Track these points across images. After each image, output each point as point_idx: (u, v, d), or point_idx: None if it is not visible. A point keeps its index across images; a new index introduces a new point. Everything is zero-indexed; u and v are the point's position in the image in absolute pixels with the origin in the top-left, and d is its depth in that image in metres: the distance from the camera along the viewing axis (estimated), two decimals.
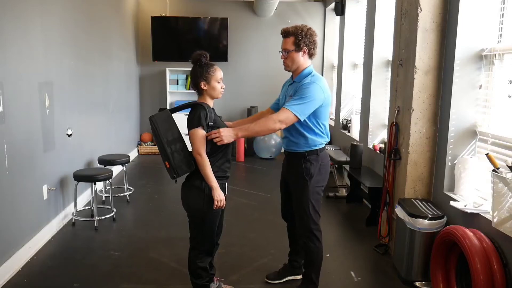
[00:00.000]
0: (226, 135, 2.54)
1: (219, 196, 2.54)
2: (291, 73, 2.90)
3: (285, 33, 2.76)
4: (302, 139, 2.78)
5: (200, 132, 2.51)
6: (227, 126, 2.70)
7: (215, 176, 2.58)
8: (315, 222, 2.85)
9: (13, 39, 3.31)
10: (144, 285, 3.15)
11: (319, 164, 2.80)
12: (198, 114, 2.52)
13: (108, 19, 6.00)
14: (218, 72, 2.61)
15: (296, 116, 2.62)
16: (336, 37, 7.53)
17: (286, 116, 2.62)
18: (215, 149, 2.59)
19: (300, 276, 3.16)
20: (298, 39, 2.70)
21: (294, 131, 2.78)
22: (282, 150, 7.67)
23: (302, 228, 2.88)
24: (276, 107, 2.99)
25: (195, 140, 2.51)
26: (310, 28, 2.75)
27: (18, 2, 3.38)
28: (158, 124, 2.51)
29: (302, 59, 2.76)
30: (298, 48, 2.72)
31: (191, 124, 2.52)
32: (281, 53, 2.80)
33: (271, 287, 3.17)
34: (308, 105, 2.64)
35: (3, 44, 3.16)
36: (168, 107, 7.83)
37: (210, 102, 2.65)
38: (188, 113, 2.60)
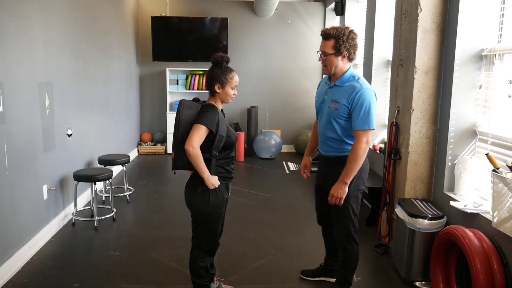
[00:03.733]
0: (340, 193, 2.65)
1: (214, 182, 2.54)
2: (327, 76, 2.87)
3: (326, 35, 2.67)
4: (344, 145, 2.75)
5: (203, 130, 2.48)
6: (232, 129, 2.72)
7: (220, 176, 2.61)
8: (354, 225, 2.82)
9: (13, 39, 3.31)
10: (144, 285, 3.15)
11: (360, 168, 2.71)
12: (211, 115, 2.51)
13: (108, 19, 6.00)
14: (235, 79, 2.61)
15: (371, 129, 2.63)
16: None
17: (365, 136, 2.62)
18: (223, 151, 2.61)
19: (334, 279, 3.15)
20: (339, 43, 2.62)
21: (336, 136, 2.74)
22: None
23: (342, 232, 2.84)
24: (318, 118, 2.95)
25: (194, 133, 2.47)
26: (352, 31, 2.67)
27: (18, 2, 3.38)
28: (183, 113, 2.53)
29: (341, 63, 2.68)
30: (338, 52, 2.65)
31: (200, 119, 2.50)
32: (319, 54, 2.74)
33: (271, 287, 3.17)
34: (372, 113, 2.62)
35: (3, 44, 3.16)
36: (168, 108, 7.87)
37: (219, 105, 2.66)
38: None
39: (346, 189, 2.67)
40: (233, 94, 2.63)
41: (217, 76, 2.56)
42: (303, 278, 3.25)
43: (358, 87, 2.64)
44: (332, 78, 2.78)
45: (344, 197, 2.68)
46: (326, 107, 2.75)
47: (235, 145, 2.69)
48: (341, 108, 2.66)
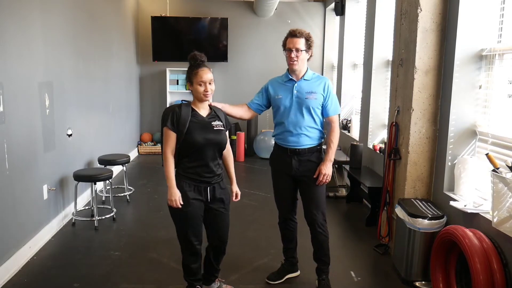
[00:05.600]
0: (330, 170, 2.93)
1: (170, 195, 2.63)
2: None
3: (300, 34, 2.88)
4: (318, 133, 3.00)
5: (166, 131, 2.60)
6: (207, 132, 2.64)
7: (188, 177, 2.64)
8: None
9: (13, 39, 3.31)
10: (144, 285, 3.15)
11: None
12: (167, 114, 2.60)
13: (108, 19, 6.01)
14: (200, 74, 2.55)
15: (339, 113, 3.04)
16: (336, 37, 7.52)
17: (337, 119, 3.02)
18: (186, 151, 2.60)
19: (297, 273, 3.28)
20: (309, 42, 2.91)
21: (315, 125, 2.97)
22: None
23: (322, 218, 3.02)
24: (257, 107, 3.11)
25: (163, 138, 2.62)
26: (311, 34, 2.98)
27: (18, 2, 3.38)
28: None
29: (306, 60, 2.97)
30: (308, 49, 2.92)
31: (162, 122, 2.64)
32: (290, 51, 2.89)
33: (271, 287, 3.17)
34: (337, 99, 3.04)
35: (3, 44, 3.16)
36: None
37: (199, 104, 2.65)
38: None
39: (330, 169, 2.96)
40: (204, 91, 2.57)
41: (187, 75, 2.64)
42: (270, 283, 3.19)
43: (324, 79, 3.00)
44: (295, 74, 2.97)
45: (331, 174, 2.97)
46: (302, 99, 2.93)
47: (199, 148, 2.58)
48: (319, 97, 2.94)
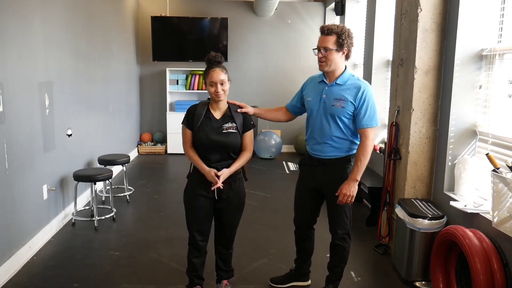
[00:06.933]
0: (353, 191, 2.65)
1: (207, 177, 2.61)
2: (318, 73, 2.81)
3: (328, 31, 2.61)
4: (347, 143, 2.74)
5: (182, 128, 2.70)
6: (214, 131, 2.64)
7: (198, 173, 2.68)
8: (351, 223, 2.88)
9: (13, 39, 3.31)
10: (144, 285, 3.15)
11: None
12: (186, 112, 2.69)
13: (108, 19, 6.00)
14: (211, 75, 2.58)
15: (377, 126, 2.70)
16: None
17: (373, 133, 2.68)
18: (197, 149, 2.68)
19: (307, 283, 3.17)
20: (342, 38, 2.59)
21: (343, 135, 2.72)
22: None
23: (342, 232, 2.84)
24: (294, 109, 2.96)
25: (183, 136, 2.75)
26: (350, 29, 2.67)
27: (18, 2, 3.37)
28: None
29: (340, 60, 2.66)
30: (339, 48, 2.62)
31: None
32: (317, 50, 2.66)
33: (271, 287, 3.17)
34: (375, 110, 2.68)
35: (3, 44, 3.16)
36: (168, 108, 7.87)
37: (214, 104, 2.68)
38: (183, 113, 2.79)
39: (356, 188, 2.68)
40: (215, 91, 2.57)
41: (203, 75, 2.70)
42: (273, 286, 3.17)
43: (362, 85, 2.66)
44: (329, 76, 2.73)
45: (355, 195, 2.69)
46: (328, 106, 2.70)
47: (205, 148, 2.63)
48: (347, 106, 2.65)
